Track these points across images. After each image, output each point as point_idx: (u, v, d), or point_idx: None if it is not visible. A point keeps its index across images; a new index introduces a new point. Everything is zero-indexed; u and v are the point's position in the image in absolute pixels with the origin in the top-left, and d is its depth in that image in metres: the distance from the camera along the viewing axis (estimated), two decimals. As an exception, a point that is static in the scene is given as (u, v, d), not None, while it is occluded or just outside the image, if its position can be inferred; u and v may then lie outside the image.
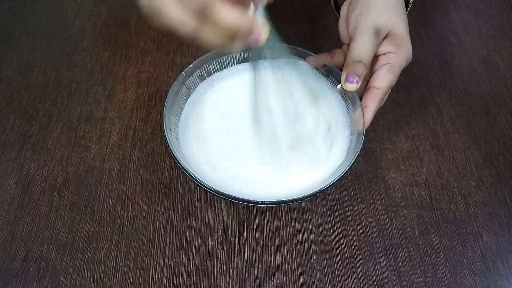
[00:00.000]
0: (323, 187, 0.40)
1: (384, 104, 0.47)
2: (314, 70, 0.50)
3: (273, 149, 0.45)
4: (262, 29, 0.33)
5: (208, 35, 0.32)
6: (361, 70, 0.43)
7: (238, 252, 0.44)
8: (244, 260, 0.43)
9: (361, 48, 0.44)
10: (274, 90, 0.49)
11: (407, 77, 0.56)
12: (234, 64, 0.51)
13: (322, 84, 0.50)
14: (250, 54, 0.48)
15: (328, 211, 0.47)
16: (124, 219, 0.45)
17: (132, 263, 0.43)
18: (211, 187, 0.39)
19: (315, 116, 0.48)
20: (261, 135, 0.46)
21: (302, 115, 0.48)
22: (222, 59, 0.50)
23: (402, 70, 0.46)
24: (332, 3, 0.52)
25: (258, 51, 0.44)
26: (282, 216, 0.46)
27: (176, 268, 0.43)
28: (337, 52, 0.49)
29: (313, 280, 0.42)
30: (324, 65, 0.49)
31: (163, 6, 0.31)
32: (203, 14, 0.31)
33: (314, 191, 0.40)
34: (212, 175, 0.43)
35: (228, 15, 0.31)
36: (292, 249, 0.44)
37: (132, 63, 0.58)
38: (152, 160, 0.49)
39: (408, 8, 0.50)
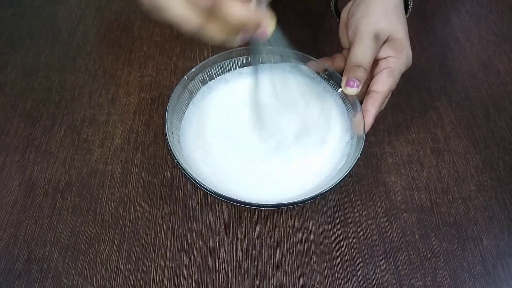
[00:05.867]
0: (324, 190, 0.40)
1: (385, 108, 0.48)
2: (315, 74, 0.50)
3: (277, 140, 0.46)
4: (269, 22, 0.34)
5: (213, 31, 0.33)
6: (361, 74, 0.44)
7: (238, 254, 0.44)
8: (245, 263, 0.44)
9: (361, 53, 0.44)
10: (275, 92, 0.50)
11: (408, 82, 0.56)
12: (235, 68, 0.51)
13: (323, 88, 0.50)
14: (251, 59, 0.49)
15: (329, 215, 0.47)
16: (126, 222, 0.46)
17: (133, 265, 0.43)
18: (212, 190, 0.40)
19: (314, 117, 0.49)
20: (264, 129, 0.46)
21: (303, 116, 0.49)
22: (223, 64, 0.50)
23: (403, 75, 0.46)
24: (332, 8, 0.53)
25: (259, 55, 0.44)
26: (282, 219, 0.46)
27: (177, 270, 0.43)
28: (337, 57, 0.50)
29: (313, 283, 0.43)
30: (325, 70, 0.49)
31: (168, 3, 0.31)
32: (212, 11, 0.31)
33: (314, 194, 0.40)
34: (213, 178, 0.44)
35: (237, 10, 0.31)
36: (293, 252, 0.44)
37: (135, 67, 0.58)
38: (154, 163, 0.50)
39: (408, 13, 0.50)
